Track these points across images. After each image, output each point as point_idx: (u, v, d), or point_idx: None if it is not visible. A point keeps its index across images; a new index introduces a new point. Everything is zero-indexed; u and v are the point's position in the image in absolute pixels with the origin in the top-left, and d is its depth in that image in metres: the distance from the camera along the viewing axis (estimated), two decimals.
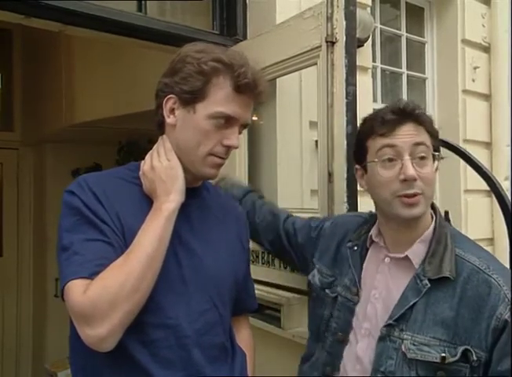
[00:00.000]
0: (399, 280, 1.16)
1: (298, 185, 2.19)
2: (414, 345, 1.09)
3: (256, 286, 1.97)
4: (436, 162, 1.16)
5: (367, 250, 1.26)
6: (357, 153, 1.25)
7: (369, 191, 1.23)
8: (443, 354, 1.05)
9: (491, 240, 3.26)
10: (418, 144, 1.12)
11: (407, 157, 1.11)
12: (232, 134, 1.11)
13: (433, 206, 1.22)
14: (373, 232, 1.26)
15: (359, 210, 1.57)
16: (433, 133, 1.16)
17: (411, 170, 1.09)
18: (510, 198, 1.52)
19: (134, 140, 4.36)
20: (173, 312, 1.08)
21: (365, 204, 2.35)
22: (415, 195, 1.11)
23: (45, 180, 4.51)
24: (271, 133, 2.17)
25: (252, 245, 1.98)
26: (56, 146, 4.55)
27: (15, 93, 4.85)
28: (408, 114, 1.15)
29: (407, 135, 1.13)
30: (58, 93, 4.06)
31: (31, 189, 4.81)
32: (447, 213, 1.67)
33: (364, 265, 1.25)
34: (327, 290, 1.29)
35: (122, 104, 3.44)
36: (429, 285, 1.11)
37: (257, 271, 2.00)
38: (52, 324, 4.40)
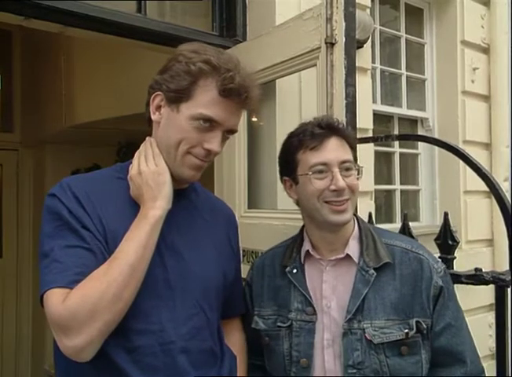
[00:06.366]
0: (345, 279, 1.24)
1: None
2: (375, 330, 1.17)
3: None
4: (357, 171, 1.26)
5: (303, 267, 1.29)
6: (286, 166, 1.31)
7: (300, 201, 1.29)
8: (405, 330, 1.16)
9: (490, 241, 3.24)
10: (344, 161, 1.22)
11: (336, 169, 1.20)
12: (214, 138, 1.09)
13: None
14: (308, 247, 1.29)
15: (358, 210, 1.56)
16: (353, 146, 1.28)
17: (341, 182, 1.19)
18: (509, 199, 1.51)
19: (134, 141, 4.35)
20: (157, 318, 1.05)
21: (364, 204, 2.36)
22: (344, 201, 1.20)
23: (44, 181, 4.50)
24: (271, 133, 2.17)
25: (252, 246, 1.99)
26: (56, 147, 4.54)
27: (15, 94, 4.84)
28: (334, 128, 1.25)
29: (334, 149, 1.22)
30: (58, 94, 4.06)
31: (30, 190, 4.80)
32: (446, 214, 1.66)
33: (307, 281, 1.27)
34: (278, 324, 1.27)
35: (121, 105, 3.44)
36: (375, 274, 1.20)
37: None
38: None
